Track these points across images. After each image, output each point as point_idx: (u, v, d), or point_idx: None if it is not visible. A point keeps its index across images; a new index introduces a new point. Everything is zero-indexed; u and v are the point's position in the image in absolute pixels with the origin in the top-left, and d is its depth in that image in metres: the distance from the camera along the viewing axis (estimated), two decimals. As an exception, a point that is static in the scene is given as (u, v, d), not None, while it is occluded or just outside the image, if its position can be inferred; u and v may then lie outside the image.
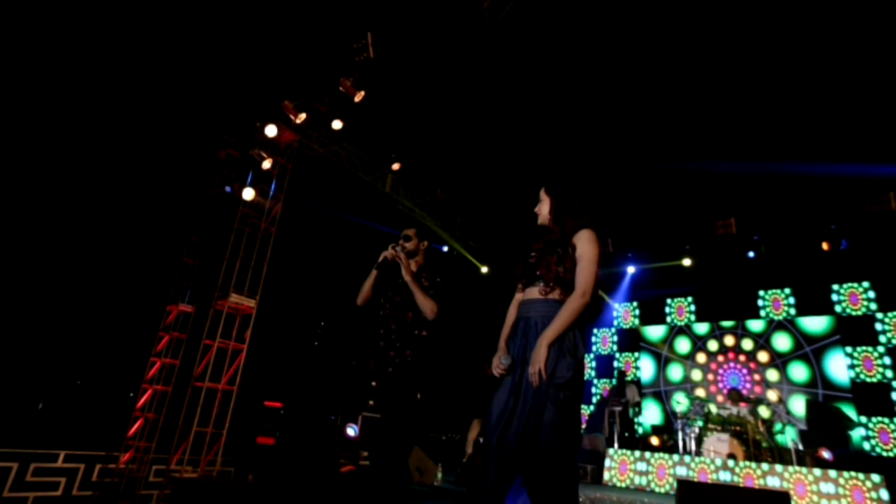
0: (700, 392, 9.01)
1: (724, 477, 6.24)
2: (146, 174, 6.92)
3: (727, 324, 9.56)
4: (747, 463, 6.18)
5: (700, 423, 6.98)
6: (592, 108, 6.98)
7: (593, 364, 10.95)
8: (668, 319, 10.26)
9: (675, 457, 6.69)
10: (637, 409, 8.41)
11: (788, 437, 6.87)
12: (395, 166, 7.53)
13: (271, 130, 6.12)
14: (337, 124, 6.61)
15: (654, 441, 7.88)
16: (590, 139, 7.48)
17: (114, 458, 5.74)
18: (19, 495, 4.95)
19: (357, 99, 5.94)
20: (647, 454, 6.90)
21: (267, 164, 6.17)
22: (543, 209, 2.32)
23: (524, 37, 5.90)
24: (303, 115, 6.14)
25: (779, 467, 6.01)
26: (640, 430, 8.99)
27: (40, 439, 5.89)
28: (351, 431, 6.93)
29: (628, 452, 7.09)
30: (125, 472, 5.73)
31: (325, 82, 6.21)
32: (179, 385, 6.12)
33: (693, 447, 6.83)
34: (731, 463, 6.28)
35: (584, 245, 2.11)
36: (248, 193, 6.01)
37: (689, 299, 10.11)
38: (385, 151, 7.48)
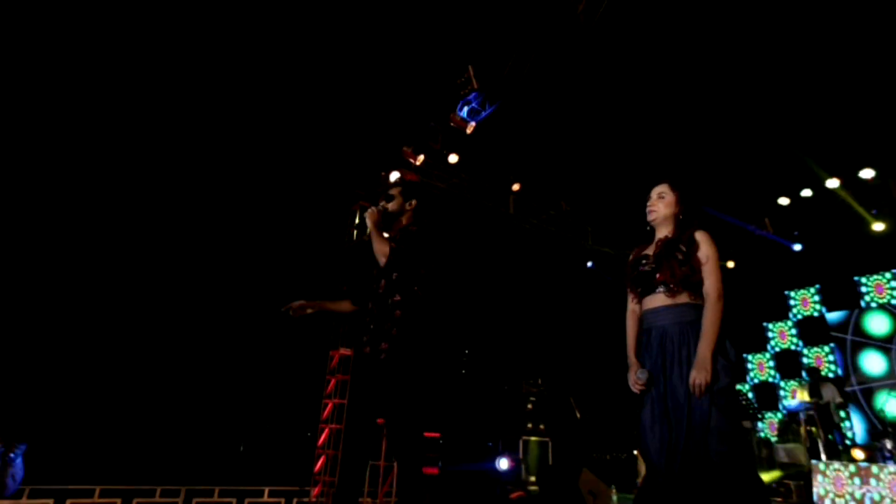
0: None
1: None
2: (299, 234, 7.82)
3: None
4: None
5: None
6: (706, 98, 6.37)
7: (770, 364, 9.56)
8: (864, 301, 8.60)
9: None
10: (841, 411, 7.10)
11: None
12: (515, 187, 7.56)
13: (394, 176, 6.58)
14: (453, 158, 6.89)
15: (859, 454, 6.53)
16: (707, 129, 6.80)
17: (306, 492, 6.41)
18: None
19: (469, 131, 6.13)
20: (874, 468, 5.74)
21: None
22: (662, 207, 2.18)
23: (624, 33, 5.63)
24: (421, 157, 6.51)
25: None
26: (851, 435, 7.57)
27: (247, 477, 6.83)
28: (504, 465, 6.84)
29: (843, 466, 5.97)
30: (316, 503, 6.34)
31: (437, 121, 6.54)
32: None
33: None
34: None
35: (709, 246, 2.03)
36: (382, 239, 6.46)
37: (889, 274, 8.39)
38: (503, 174, 7.57)
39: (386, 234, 2.54)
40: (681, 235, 2.09)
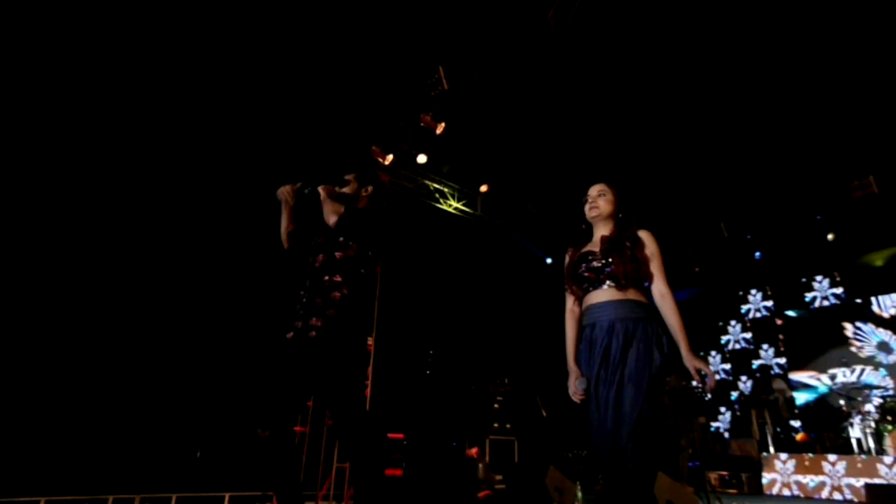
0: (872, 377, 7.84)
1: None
2: (260, 232, 7.62)
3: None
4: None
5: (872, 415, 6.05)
6: (670, 103, 6.60)
7: (716, 362, 10.00)
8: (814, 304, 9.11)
9: (859, 459, 5.83)
10: (790, 405, 7.49)
11: None
12: (483, 188, 7.62)
13: (370, 188, 6.49)
14: (422, 158, 6.87)
15: (808, 440, 6.94)
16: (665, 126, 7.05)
17: (269, 497, 6.24)
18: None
19: (438, 131, 6.14)
20: (813, 456, 6.09)
21: (364, 208, 6.54)
22: (603, 204, 2.19)
23: (595, 38, 5.77)
24: (390, 157, 6.46)
25: None
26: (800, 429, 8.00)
27: (205, 483, 6.60)
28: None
29: (789, 457, 6.31)
30: (280, 510, 6.18)
31: (406, 121, 6.51)
32: (315, 425, 6.55)
33: (871, 446, 5.91)
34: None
35: (653, 245, 2.08)
36: (352, 238, 6.39)
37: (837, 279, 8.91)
38: (471, 176, 7.62)
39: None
40: (623, 233, 2.11)
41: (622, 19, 5.49)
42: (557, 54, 5.73)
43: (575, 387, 1.99)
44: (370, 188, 2.48)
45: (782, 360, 9.14)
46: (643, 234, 2.11)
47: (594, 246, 2.15)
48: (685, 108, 6.59)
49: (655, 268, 2.04)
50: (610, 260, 2.03)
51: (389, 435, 8.89)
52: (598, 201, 2.19)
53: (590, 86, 6.29)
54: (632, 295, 1.99)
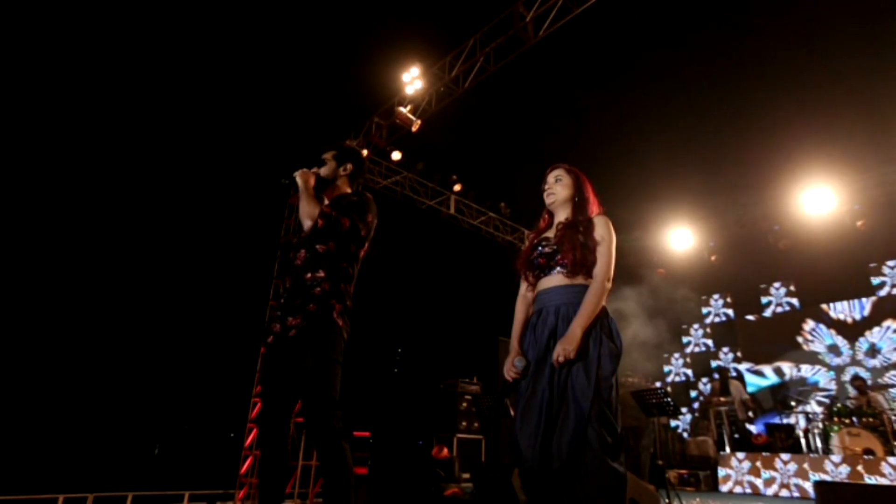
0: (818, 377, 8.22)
1: (867, 478, 5.61)
2: (230, 227, 7.44)
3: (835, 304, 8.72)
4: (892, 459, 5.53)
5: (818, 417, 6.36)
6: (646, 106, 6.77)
7: (678, 364, 10.32)
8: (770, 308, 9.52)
9: (808, 457, 6.11)
10: (747, 408, 7.78)
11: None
12: (457, 188, 7.62)
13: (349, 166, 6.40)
14: (396, 155, 6.82)
15: (761, 440, 7.25)
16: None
17: (230, 495, 6.09)
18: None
19: (414, 129, 6.10)
20: (768, 455, 6.36)
21: (337, 203, 6.45)
22: (560, 190, 2.14)
23: (571, 44, 5.85)
24: (365, 152, 6.38)
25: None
26: (755, 431, 8.32)
27: (162, 481, 6.38)
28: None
29: (744, 456, 6.56)
30: (242, 508, 6.04)
31: (382, 117, 6.45)
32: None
33: (819, 445, 6.20)
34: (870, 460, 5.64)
35: (605, 229, 2.01)
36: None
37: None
38: (445, 175, 7.61)
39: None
40: (579, 217, 2.07)
41: (601, 25, 5.58)
42: (535, 57, 5.77)
43: (512, 364, 1.92)
44: (349, 166, 2.37)
45: (741, 366, 9.50)
46: (597, 219, 2.06)
47: (551, 232, 2.13)
48: (664, 115, 6.76)
49: (600, 253, 1.98)
50: (562, 246, 2.00)
51: (355, 433, 8.83)
52: (555, 187, 2.16)
53: (565, 88, 6.37)
54: (581, 281, 1.96)
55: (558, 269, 1.99)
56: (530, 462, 1.76)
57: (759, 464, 6.42)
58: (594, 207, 2.13)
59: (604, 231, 2.01)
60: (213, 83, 6.17)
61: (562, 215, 2.13)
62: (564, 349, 1.78)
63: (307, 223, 2.11)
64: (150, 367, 7.48)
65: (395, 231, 8.29)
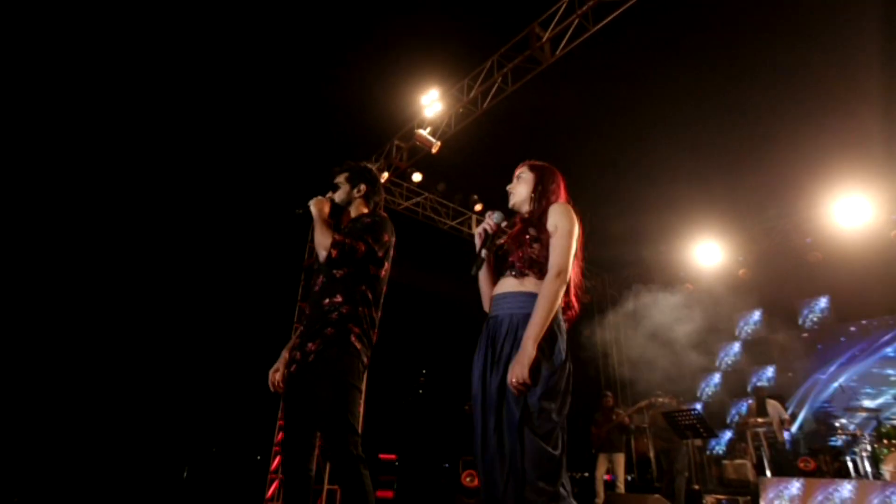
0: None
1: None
2: (256, 252, 7.59)
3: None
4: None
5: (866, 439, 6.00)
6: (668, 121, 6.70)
7: (711, 383, 9.95)
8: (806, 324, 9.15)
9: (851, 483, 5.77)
10: (785, 429, 7.43)
11: None
12: (478, 207, 7.63)
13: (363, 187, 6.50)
14: (417, 177, 6.89)
15: (808, 465, 6.87)
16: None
17: (257, 519, 6.08)
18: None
19: (434, 150, 6.16)
20: (814, 479, 6.02)
21: (359, 226, 6.53)
22: (520, 188, 1.94)
23: (589, 61, 5.87)
24: (385, 174, 6.47)
25: None
26: (804, 450, 7.93)
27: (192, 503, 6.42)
28: None
29: (788, 481, 6.23)
30: (268, 533, 6.03)
31: (402, 139, 6.54)
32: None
33: (868, 469, 5.85)
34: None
35: (556, 217, 1.76)
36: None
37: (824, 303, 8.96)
38: (466, 195, 7.64)
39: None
40: (534, 211, 1.86)
41: (619, 40, 5.59)
42: (553, 76, 5.80)
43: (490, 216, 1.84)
44: (363, 187, 2.34)
45: (777, 382, 9.12)
46: (552, 208, 1.81)
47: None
48: (687, 131, 6.68)
49: (553, 245, 1.71)
50: (513, 245, 1.80)
51: (381, 456, 8.74)
52: (517, 187, 1.96)
53: (582, 107, 6.37)
54: (530, 286, 1.72)
55: (510, 270, 1.78)
56: (483, 486, 1.59)
57: (803, 489, 6.09)
58: (556, 199, 1.90)
59: (558, 218, 1.76)
60: (240, 109, 6.38)
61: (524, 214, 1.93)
62: (512, 374, 1.54)
63: (322, 254, 2.08)
64: (179, 391, 7.60)
65: (417, 252, 8.32)
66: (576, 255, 1.78)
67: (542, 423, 1.53)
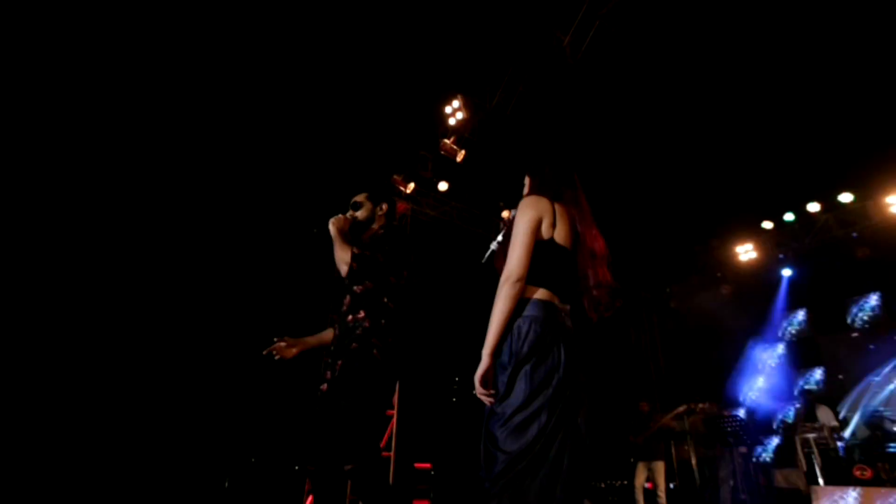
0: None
1: None
2: (287, 265, 7.75)
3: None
4: None
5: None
6: (691, 122, 6.54)
7: (755, 387, 9.56)
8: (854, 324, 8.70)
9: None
10: (838, 435, 7.06)
11: None
12: (505, 214, 7.60)
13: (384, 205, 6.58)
14: (443, 186, 6.92)
15: (864, 473, 6.48)
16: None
17: (296, 530, 6.16)
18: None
19: (459, 159, 6.19)
20: (872, 488, 5.69)
21: (387, 237, 6.61)
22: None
23: (609, 65, 5.80)
24: (412, 185, 6.52)
25: None
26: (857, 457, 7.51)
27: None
28: None
29: (842, 490, 5.91)
30: (307, 544, 6.09)
31: (427, 150, 6.59)
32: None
33: (930, 477, 5.49)
34: None
35: (519, 212, 1.66)
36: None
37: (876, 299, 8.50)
38: (493, 201, 7.62)
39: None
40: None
41: (638, 46, 5.50)
42: (574, 79, 5.75)
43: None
44: (384, 206, 2.42)
45: (826, 385, 8.69)
46: (520, 203, 1.71)
47: None
48: (714, 132, 6.51)
49: (510, 244, 1.62)
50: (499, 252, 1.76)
51: (416, 465, 8.73)
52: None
53: (606, 110, 6.28)
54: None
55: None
56: None
57: (860, 498, 5.76)
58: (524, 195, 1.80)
59: (517, 215, 1.65)
60: (267, 122, 6.56)
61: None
62: (476, 385, 1.58)
63: (343, 268, 2.14)
64: (218, 402, 7.81)
65: (446, 260, 8.35)
66: (573, 230, 1.68)
67: (492, 423, 1.56)
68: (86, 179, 6.18)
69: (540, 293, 1.62)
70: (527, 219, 1.63)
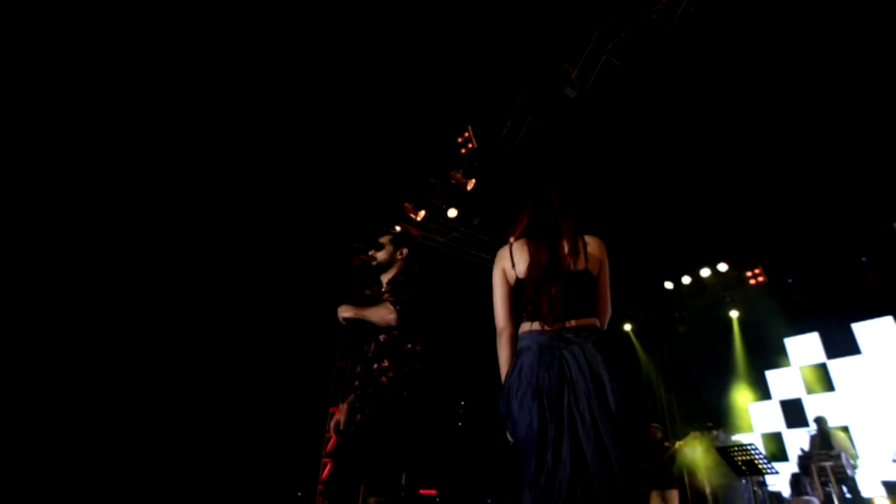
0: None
1: None
2: (298, 292, 7.80)
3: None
4: None
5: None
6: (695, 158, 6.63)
7: (768, 414, 9.44)
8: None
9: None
10: (854, 463, 6.94)
11: None
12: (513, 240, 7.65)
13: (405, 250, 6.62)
14: (452, 213, 7.00)
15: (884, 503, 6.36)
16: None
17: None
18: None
19: (469, 187, 6.28)
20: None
21: (397, 263, 6.66)
22: None
23: (617, 97, 5.91)
24: (422, 213, 6.60)
25: None
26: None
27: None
28: None
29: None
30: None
31: (437, 178, 6.69)
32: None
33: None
34: None
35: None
36: (384, 293, 6.47)
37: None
38: (501, 228, 7.68)
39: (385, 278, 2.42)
40: None
41: (645, 76, 5.62)
42: (581, 110, 5.87)
43: None
44: (405, 250, 2.50)
45: (840, 411, 8.58)
46: None
47: None
48: (730, 153, 6.58)
49: None
50: None
51: (421, 491, 8.60)
52: None
53: (614, 140, 6.37)
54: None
55: None
56: None
57: (878, 530, 5.63)
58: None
59: None
60: (280, 147, 6.67)
61: None
62: None
63: (392, 322, 2.20)
64: (223, 428, 7.76)
65: (454, 286, 8.37)
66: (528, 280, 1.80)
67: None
68: (106, 185, 6.25)
69: (524, 326, 1.81)
70: (495, 277, 1.88)
